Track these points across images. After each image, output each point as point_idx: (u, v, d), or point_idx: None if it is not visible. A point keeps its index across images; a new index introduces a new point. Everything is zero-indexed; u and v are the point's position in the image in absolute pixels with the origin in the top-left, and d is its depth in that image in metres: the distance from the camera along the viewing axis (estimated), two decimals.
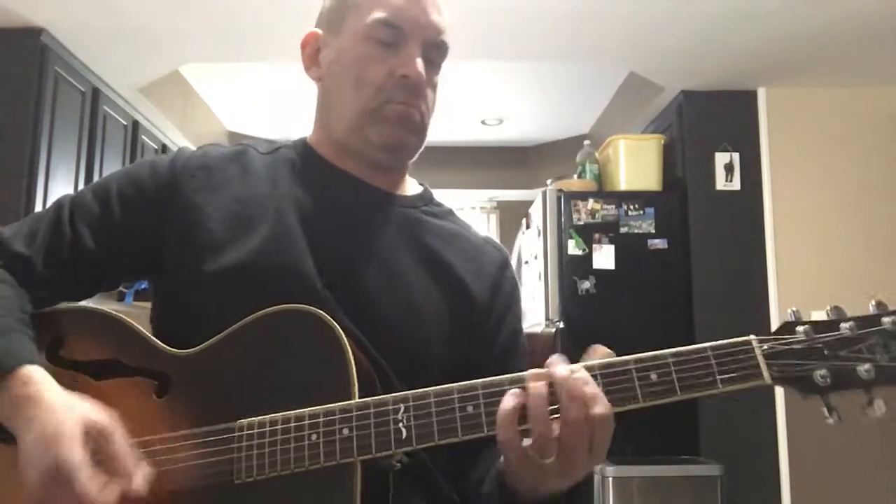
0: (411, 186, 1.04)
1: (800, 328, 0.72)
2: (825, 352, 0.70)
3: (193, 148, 0.99)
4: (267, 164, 0.96)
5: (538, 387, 0.71)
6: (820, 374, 0.69)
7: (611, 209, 3.32)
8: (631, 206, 3.33)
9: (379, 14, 0.91)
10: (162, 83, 3.53)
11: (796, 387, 0.70)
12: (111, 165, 3.32)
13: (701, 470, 3.01)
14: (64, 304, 0.90)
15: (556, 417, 0.70)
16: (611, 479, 2.91)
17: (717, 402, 3.21)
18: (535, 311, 3.51)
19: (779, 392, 3.22)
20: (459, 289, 0.94)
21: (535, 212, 3.54)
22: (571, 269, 3.28)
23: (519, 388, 0.72)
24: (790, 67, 3.22)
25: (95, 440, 0.74)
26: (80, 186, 3.09)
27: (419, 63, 0.91)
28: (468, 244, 1.00)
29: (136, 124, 3.58)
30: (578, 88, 4.04)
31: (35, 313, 0.85)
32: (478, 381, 0.74)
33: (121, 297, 3.46)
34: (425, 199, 1.02)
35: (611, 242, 3.29)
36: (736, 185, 3.39)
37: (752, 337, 0.72)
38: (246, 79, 3.94)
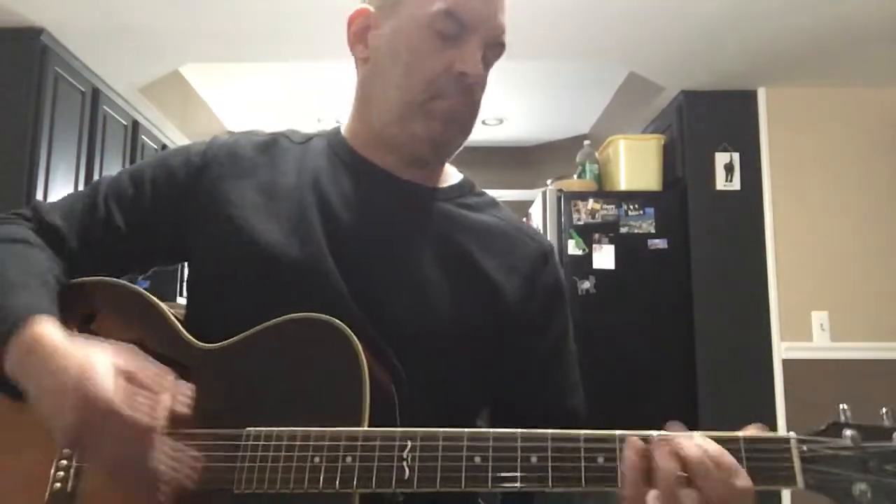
0: (450, 175, 0.99)
1: (847, 432, 0.65)
2: (870, 463, 0.64)
3: (225, 137, 0.98)
4: (296, 155, 0.94)
5: (667, 458, 0.65)
6: (860, 488, 0.64)
7: (611, 209, 3.32)
8: (631, 206, 3.33)
9: (444, 4, 0.86)
10: (162, 83, 3.53)
11: (831, 497, 0.65)
12: (111, 165, 3.31)
13: None
14: (101, 278, 0.89)
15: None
16: None
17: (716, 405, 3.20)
18: None
19: (779, 394, 3.22)
20: (486, 287, 0.89)
21: (535, 212, 3.54)
22: (571, 269, 3.27)
23: (641, 442, 0.67)
24: (790, 67, 3.22)
25: (124, 373, 0.72)
26: (80, 186, 3.09)
27: (480, 62, 0.87)
28: (503, 239, 0.94)
29: (136, 124, 3.58)
30: (578, 88, 4.04)
31: (72, 283, 0.86)
32: (490, 430, 0.71)
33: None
34: (463, 189, 0.97)
35: (611, 242, 3.29)
36: (736, 185, 3.39)
37: (791, 435, 0.66)
38: (246, 79, 3.94)
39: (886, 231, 3.33)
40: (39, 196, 2.80)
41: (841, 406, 0.67)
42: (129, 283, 0.89)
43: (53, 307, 0.79)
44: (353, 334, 0.76)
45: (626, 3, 2.70)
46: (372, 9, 0.92)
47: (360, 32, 0.92)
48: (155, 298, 0.87)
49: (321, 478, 0.72)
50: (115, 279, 0.89)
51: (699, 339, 3.24)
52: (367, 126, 0.93)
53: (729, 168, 3.40)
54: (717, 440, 0.66)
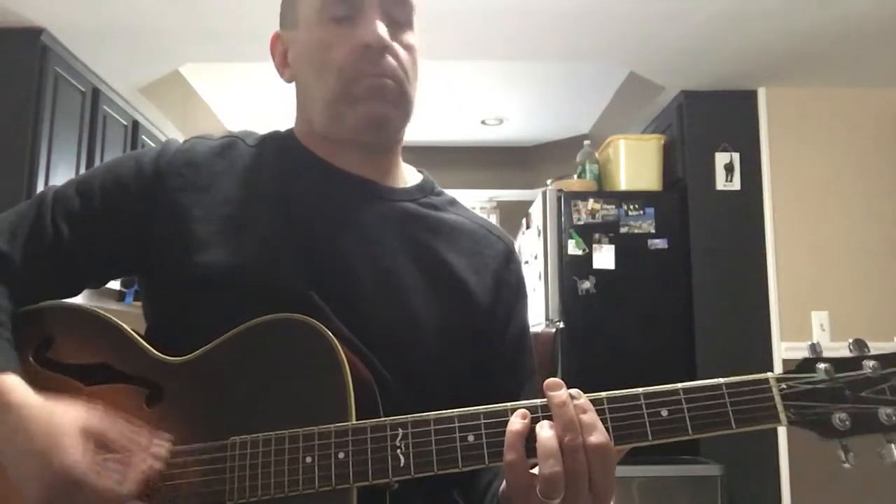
0: (410, 175, 0.98)
1: (820, 366, 0.68)
2: (846, 392, 0.66)
3: (181, 140, 0.95)
4: (255, 157, 0.92)
5: (545, 423, 0.68)
6: (839, 417, 0.66)
7: (611, 209, 3.32)
8: (631, 206, 3.33)
9: None
10: (162, 83, 3.53)
11: (814, 430, 0.67)
12: None
13: (701, 470, 3.01)
14: (53, 302, 0.86)
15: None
16: None
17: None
18: (535, 311, 3.51)
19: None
20: (459, 289, 0.89)
21: (535, 212, 3.54)
22: (571, 269, 3.27)
23: (528, 409, 0.70)
24: (790, 67, 3.22)
25: (93, 436, 0.70)
26: None
27: (379, 27, 0.85)
28: (470, 238, 0.94)
29: (136, 124, 3.58)
30: (578, 88, 4.04)
31: (23, 311, 0.82)
32: (480, 408, 0.71)
33: (121, 298, 3.46)
34: (425, 189, 0.97)
35: (611, 242, 3.29)
36: (736, 185, 3.39)
37: (769, 375, 0.69)
38: (246, 79, 3.93)
39: (886, 231, 3.33)
40: None
41: (810, 342, 0.70)
42: (82, 305, 0.85)
43: (14, 358, 0.76)
44: (326, 330, 0.75)
45: (627, 3, 2.70)
46: (281, 31, 0.94)
47: (282, 57, 0.95)
48: (112, 317, 0.83)
49: (316, 477, 0.70)
50: (67, 302, 0.86)
51: (699, 339, 3.24)
52: (312, 130, 0.94)
53: (729, 168, 3.40)
54: (697, 389, 0.69)
